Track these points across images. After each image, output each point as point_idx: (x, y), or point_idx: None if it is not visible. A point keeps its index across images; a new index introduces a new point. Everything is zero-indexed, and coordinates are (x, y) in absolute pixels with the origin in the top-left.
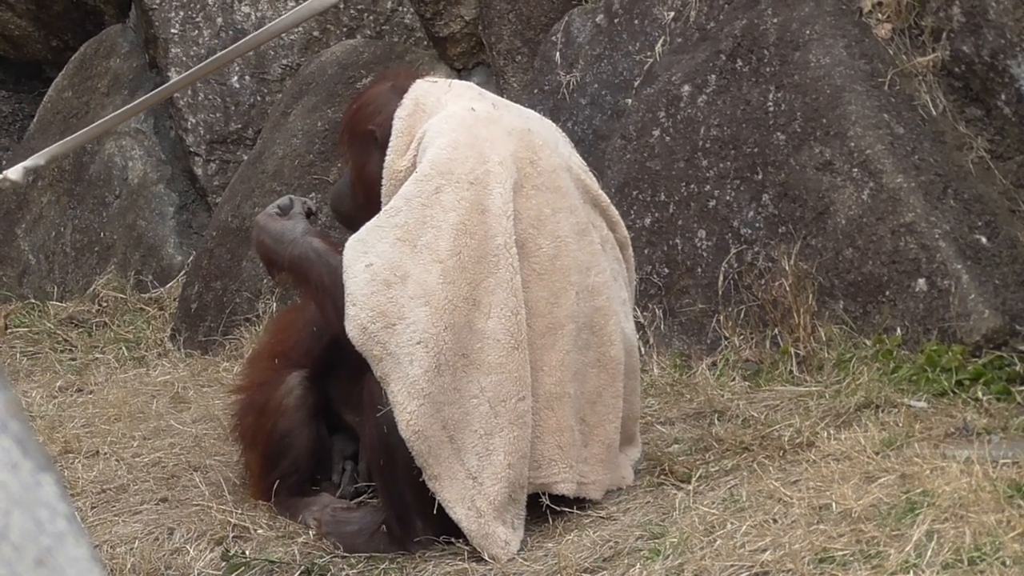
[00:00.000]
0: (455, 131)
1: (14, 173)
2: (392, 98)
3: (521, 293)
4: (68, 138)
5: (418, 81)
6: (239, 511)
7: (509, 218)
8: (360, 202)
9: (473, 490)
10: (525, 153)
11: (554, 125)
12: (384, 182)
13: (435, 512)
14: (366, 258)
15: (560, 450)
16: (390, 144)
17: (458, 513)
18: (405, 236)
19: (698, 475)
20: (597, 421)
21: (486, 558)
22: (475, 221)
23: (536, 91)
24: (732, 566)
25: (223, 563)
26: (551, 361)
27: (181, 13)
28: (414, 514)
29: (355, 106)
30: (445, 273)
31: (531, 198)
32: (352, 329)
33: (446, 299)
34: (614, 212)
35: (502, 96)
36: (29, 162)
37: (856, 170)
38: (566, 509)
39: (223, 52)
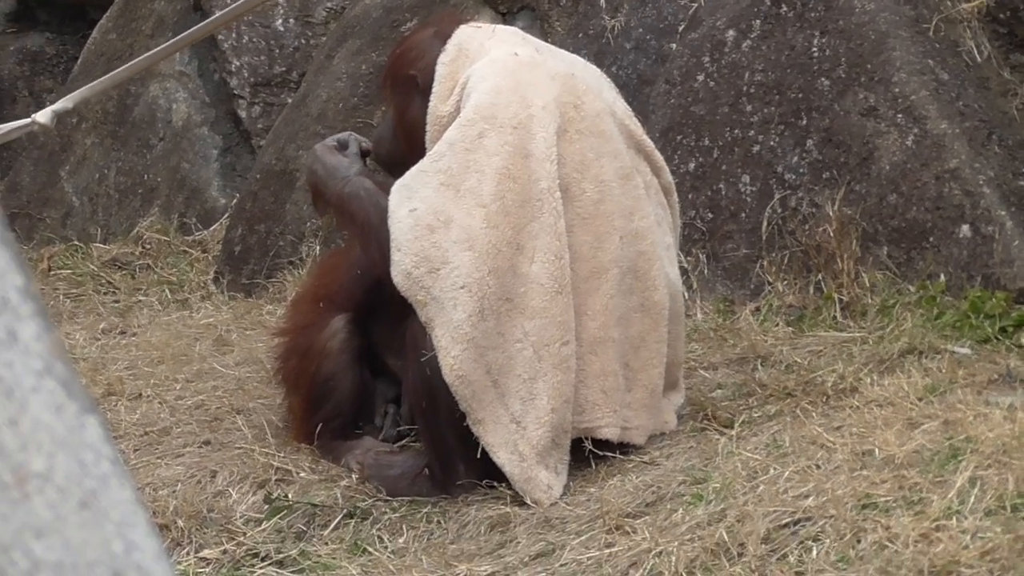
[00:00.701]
0: (498, 76)
1: (43, 116)
2: (435, 44)
3: (565, 237)
4: (97, 81)
5: (462, 27)
6: (281, 454)
7: (553, 162)
8: (402, 147)
9: (516, 434)
10: (568, 98)
11: (598, 70)
12: (428, 127)
13: (478, 456)
14: (410, 203)
15: (604, 395)
16: (433, 89)
17: (501, 457)
18: (449, 181)
19: (741, 420)
20: (641, 366)
21: (528, 502)
22: (518, 166)
23: (581, 35)
24: (774, 511)
25: (265, 506)
26: (595, 305)
27: None
28: (456, 458)
29: (398, 52)
30: (488, 217)
31: (575, 142)
32: (397, 274)
33: (489, 243)
34: (658, 157)
35: (546, 41)
36: (58, 105)
37: (900, 116)
38: (609, 454)
39: None
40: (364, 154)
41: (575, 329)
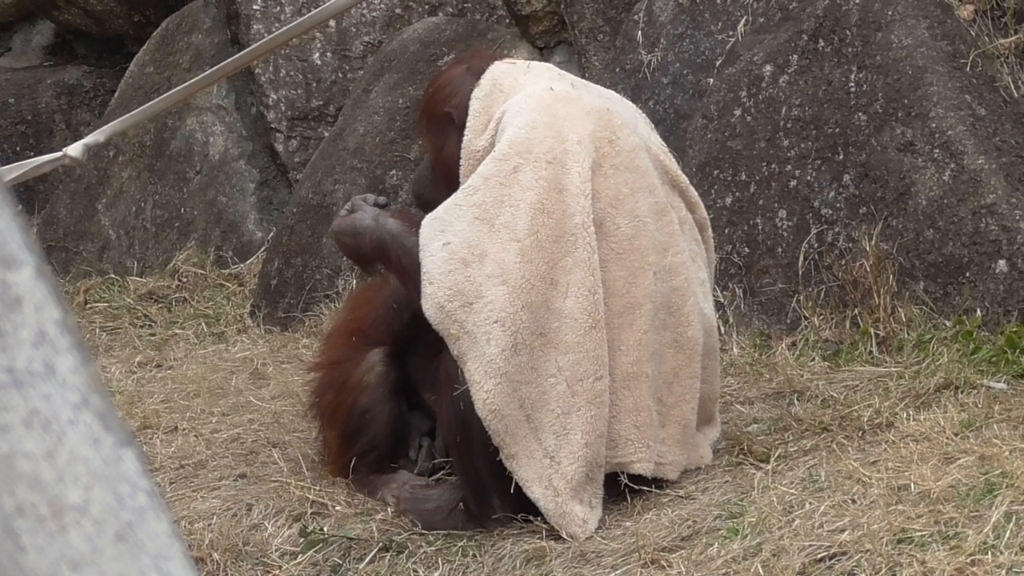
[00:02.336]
0: (533, 111)
1: (74, 150)
2: (468, 79)
3: (599, 272)
4: (128, 114)
5: (496, 63)
6: (317, 487)
7: (587, 197)
8: (441, 186)
9: (550, 469)
10: (603, 133)
11: (633, 106)
12: (462, 162)
13: (511, 491)
14: (443, 236)
15: (637, 430)
16: (467, 124)
17: (535, 492)
18: (483, 215)
19: (777, 455)
20: (674, 402)
21: (564, 536)
22: (553, 200)
23: (618, 70)
24: (810, 546)
25: (301, 539)
26: (628, 341)
27: None
28: (491, 492)
29: (431, 89)
30: (523, 252)
31: (609, 177)
32: (429, 307)
33: (523, 278)
34: (693, 193)
35: (583, 75)
36: (90, 139)
37: (937, 151)
38: (644, 488)
39: (292, 24)
40: (380, 206)
41: (608, 364)
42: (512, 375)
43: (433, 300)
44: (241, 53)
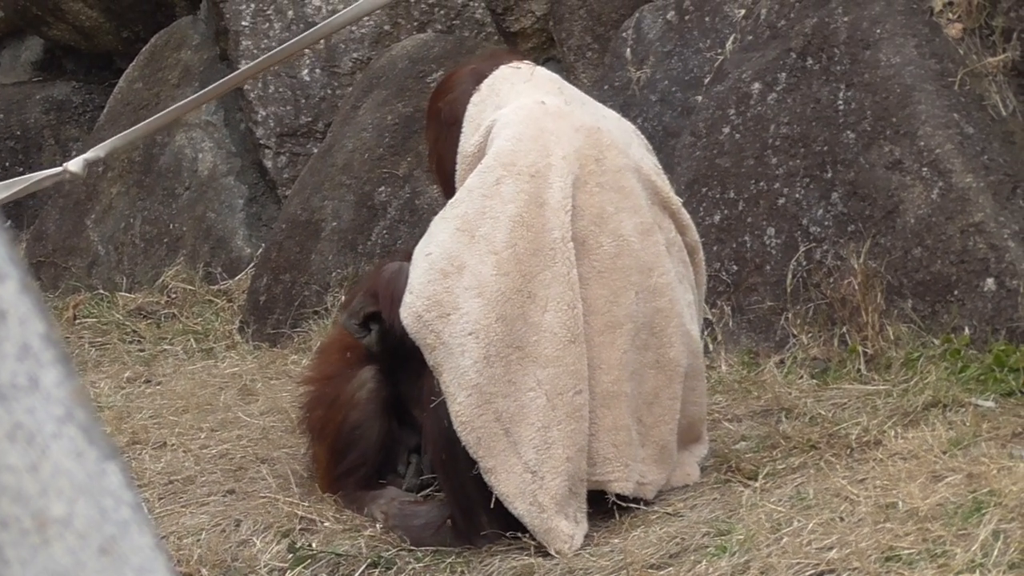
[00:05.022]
0: (522, 123)
1: (75, 165)
2: (470, 81)
3: (578, 287)
4: (128, 130)
5: (501, 67)
6: (306, 503)
7: (567, 213)
8: (437, 182)
9: (533, 484)
10: (591, 151)
11: (631, 127)
12: (458, 166)
13: (491, 506)
14: (426, 248)
15: (615, 448)
16: (463, 128)
17: (519, 508)
18: (464, 226)
19: (765, 472)
20: (653, 422)
21: (552, 553)
22: (533, 214)
23: (606, 87)
24: (798, 564)
25: (290, 555)
26: (609, 360)
27: (252, 5)
28: (478, 508)
29: (437, 88)
30: (499, 265)
31: (594, 195)
32: (407, 316)
33: (499, 291)
34: (685, 216)
35: None
36: (90, 154)
37: (925, 169)
38: (632, 505)
39: (286, 44)
40: (368, 314)
41: (588, 381)
42: (484, 387)
43: (411, 309)
44: (255, 63)
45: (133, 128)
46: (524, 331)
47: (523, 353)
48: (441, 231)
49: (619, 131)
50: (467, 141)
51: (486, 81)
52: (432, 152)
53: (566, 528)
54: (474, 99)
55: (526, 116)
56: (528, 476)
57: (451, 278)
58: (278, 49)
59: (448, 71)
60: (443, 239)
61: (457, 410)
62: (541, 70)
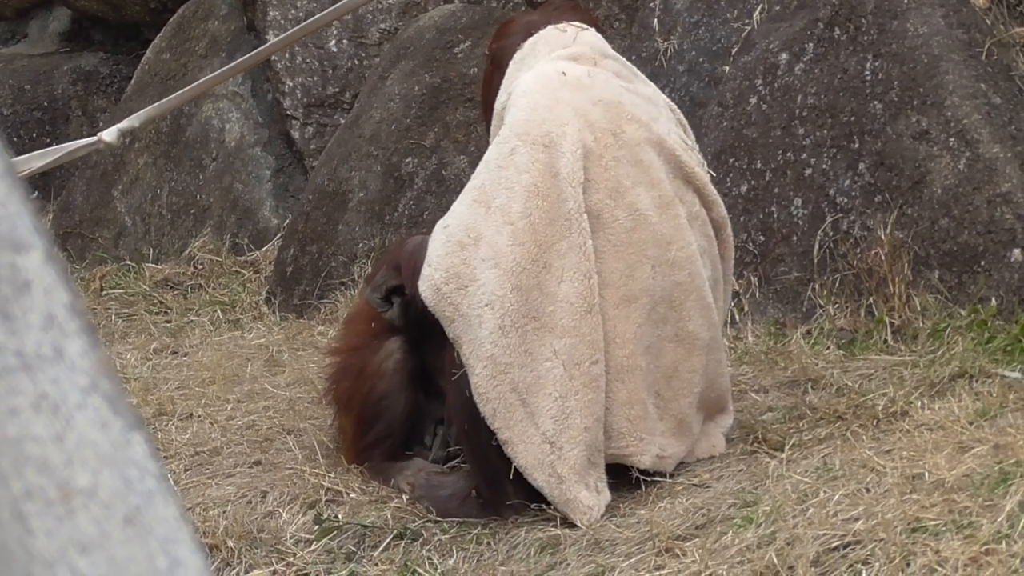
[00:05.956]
0: (538, 92)
1: (109, 135)
2: (519, 37)
3: (593, 257)
4: (163, 100)
5: (548, 27)
6: (332, 475)
7: (579, 184)
8: (484, 120)
9: (552, 455)
10: (607, 124)
11: (667, 101)
12: (493, 117)
13: (510, 477)
14: (445, 220)
15: (629, 423)
16: (504, 80)
17: (538, 479)
18: (480, 198)
19: (791, 443)
20: (672, 396)
21: (576, 523)
22: (548, 184)
23: (634, 58)
24: (824, 534)
25: (316, 526)
26: (624, 333)
27: None
28: (503, 479)
29: (497, 31)
30: (515, 235)
31: (610, 169)
32: (425, 288)
33: (514, 261)
34: (711, 191)
35: None
36: (124, 124)
37: (952, 140)
38: (657, 478)
39: (318, 16)
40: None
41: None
42: (499, 357)
43: (430, 282)
44: (285, 35)
45: (167, 99)
46: (540, 301)
47: (539, 323)
48: (459, 203)
49: (646, 104)
50: (500, 96)
51: (531, 39)
52: (482, 89)
53: (586, 499)
54: (516, 56)
55: (544, 85)
56: (546, 447)
57: (468, 249)
58: (307, 22)
59: (508, 19)
60: (461, 211)
61: (476, 381)
62: (585, 35)
